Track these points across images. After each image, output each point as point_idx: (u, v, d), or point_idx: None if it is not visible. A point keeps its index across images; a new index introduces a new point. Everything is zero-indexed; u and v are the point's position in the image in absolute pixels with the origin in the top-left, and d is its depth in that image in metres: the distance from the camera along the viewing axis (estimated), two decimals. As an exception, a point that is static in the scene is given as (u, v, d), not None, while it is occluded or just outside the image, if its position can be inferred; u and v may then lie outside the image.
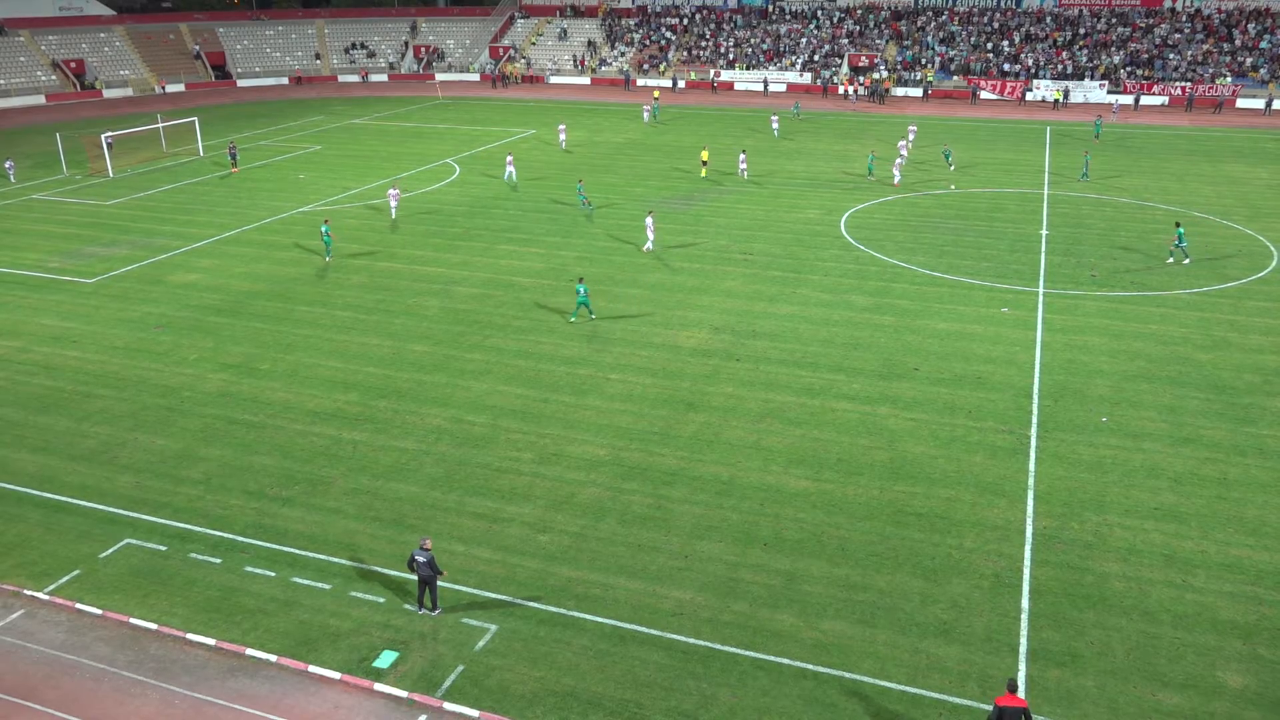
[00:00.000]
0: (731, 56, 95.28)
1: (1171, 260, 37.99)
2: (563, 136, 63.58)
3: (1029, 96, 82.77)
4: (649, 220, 39.81)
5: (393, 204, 45.27)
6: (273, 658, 17.38)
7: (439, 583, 18.74)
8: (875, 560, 19.91)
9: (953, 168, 56.08)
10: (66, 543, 20.85)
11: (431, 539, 19.97)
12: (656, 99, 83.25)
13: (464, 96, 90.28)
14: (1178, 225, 38.23)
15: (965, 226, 43.49)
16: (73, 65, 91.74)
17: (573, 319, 32.22)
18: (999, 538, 20.58)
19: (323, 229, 39.51)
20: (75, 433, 25.61)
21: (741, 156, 54.98)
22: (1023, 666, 16.94)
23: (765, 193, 50.39)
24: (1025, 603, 18.56)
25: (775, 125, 67.93)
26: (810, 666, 17.02)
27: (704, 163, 54.87)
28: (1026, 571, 19.47)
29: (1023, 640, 17.56)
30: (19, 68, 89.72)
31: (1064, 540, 20.45)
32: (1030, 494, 22.15)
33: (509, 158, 53.53)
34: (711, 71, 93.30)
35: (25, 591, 19.27)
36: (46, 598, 19.09)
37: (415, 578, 18.88)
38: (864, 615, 18.28)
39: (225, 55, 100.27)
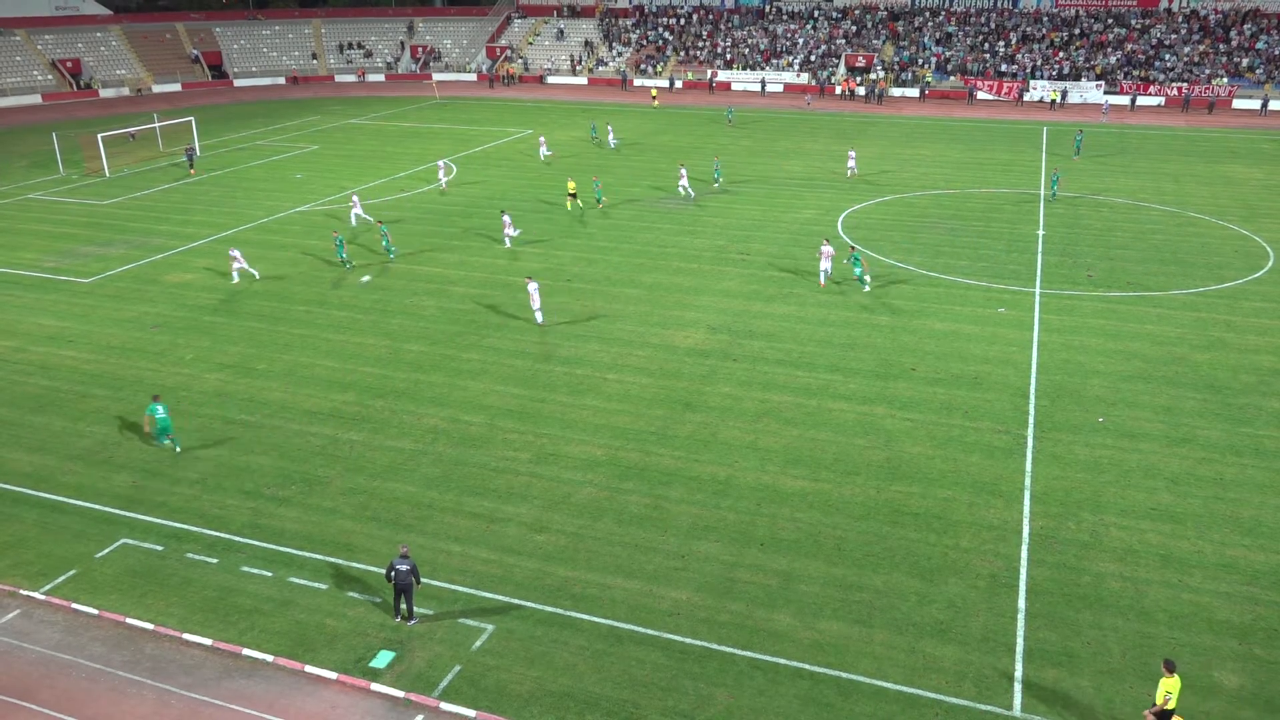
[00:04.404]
0: (729, 56, 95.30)
1: (867, 289, 35.13)
2: (613, 139, 63.28)
3: (1026, 97, 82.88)
4: (532, 287, 32.07)
5: (235, 266, 36.90)
6: (269, 658, 17.35)
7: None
8: (872, 560, 19.92)
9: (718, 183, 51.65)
10: (62, 542, 20.81)
11: (409, 547, 19.72)
12: (655, 98, 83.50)
13: (461, 96, 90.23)
14: (853, 250, 36.06)
15: (962, 227, 43.52)
16: (69, 65, 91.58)
17: (165, 442, 24.67)
18: (995, 538, 20.60)
19: (336, 239, 39.09)
20: (71, 432, 25.56)
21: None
22: (1019, 666, 16.96)
23: (762, 192, 50.40)
24: (1022, 603, 18.58)
25: (442, 175, 52.20)
26: (807, 666, 17.03)
27: (571, 195, 46.96)
28: (1023, 571, 19.49)
29: (1019, 640, 17.58)
30: (15, 67, 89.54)
31: (1060, 540, 20.47)
32: (1027, 494, 22.17)
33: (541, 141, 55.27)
34: (709, 71, 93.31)
35: (21, 591, 19.23)
36: (42, 597, 19.05)
37: (393, 587, 18.20)
38: (861, 615, 18.29)
39: (222, 55, 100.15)
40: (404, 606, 18.15)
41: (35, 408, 27.02)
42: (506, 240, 40.88)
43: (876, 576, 19.40)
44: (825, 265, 35.54)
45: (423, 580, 19.09)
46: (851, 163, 54.07)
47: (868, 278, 35.39)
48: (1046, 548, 20.22)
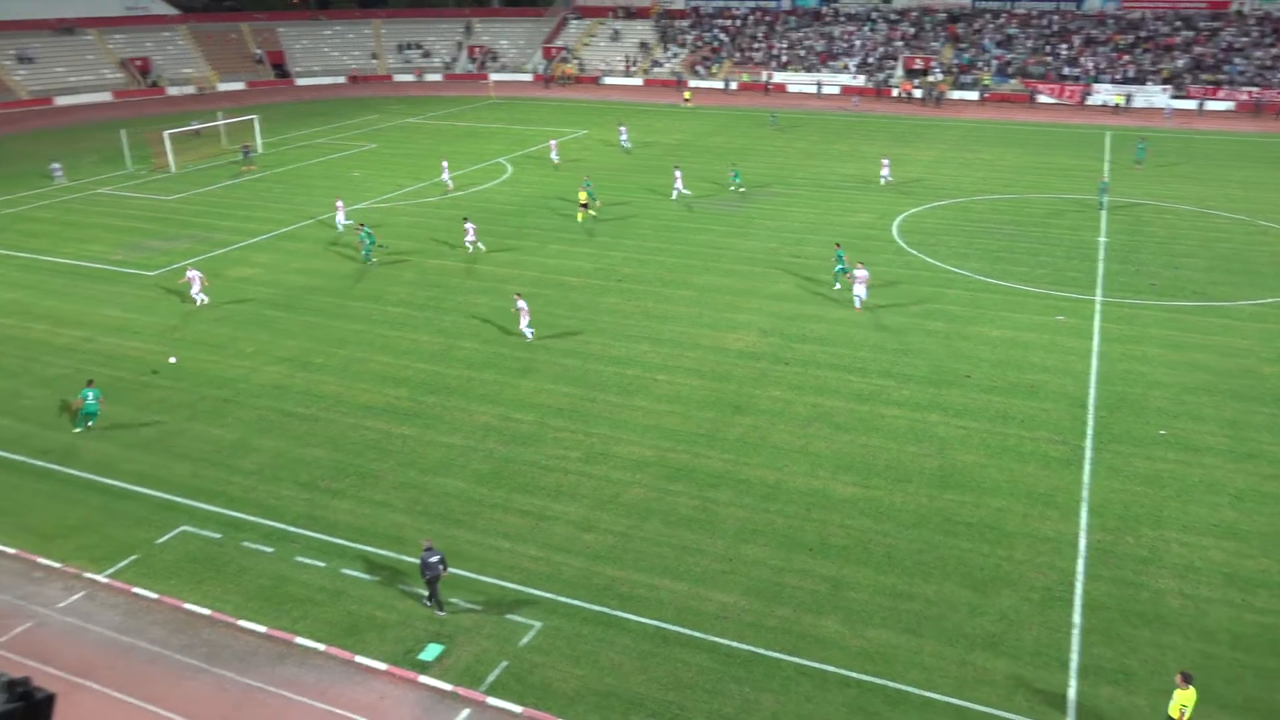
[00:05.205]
0: (784, 58, 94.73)
1: (839, 286, 34.62)
2: (625, 140, 62.23)
3: (1089, 101, 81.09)
4: (521, 304, 31.40)
5: (195, 287, 34.86)
6: (321, 646, 17.67)
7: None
8: (923, 569, 19.65)
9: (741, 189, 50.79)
10: (125, 528, 21.41)
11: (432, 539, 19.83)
12: (687, 99, 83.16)
13: (517, 96, 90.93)
14: (837, 246, 35.82)
15: (1020, 232, 42.74)
16: (138, 63, 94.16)
17: (78, 430, 25.69)
18: (1051, 550, 20.18)
19: (362, 232, 39.52)
20: (135, 421, 26.27)
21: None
22: (1073, 682, 16.60)
23: (817, 195, 50.01)
24: (1077, 617, 18.19)
25: (446, 175, 52.41)
26: (854, 675, 16.85)
27: (582, 205, 45.15)
28: (1079, 585, 19.07)
29: (1074, 656, 17.20)
30: (87, 65, 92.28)
31: (1118, 555, 19.98)
32: (1084, 506, 21.69)
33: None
34: (764, 73, 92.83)
35: (85, 574, 19.83)
36: (106, 580, 19.62)
37: (426, 582, 18.37)
38: (910, 624, 18.05)
39: (284, 54, 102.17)
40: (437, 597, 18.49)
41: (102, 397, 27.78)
42: (469, 246, 40.39)
43: (927, 586, 19.14)
44: (859, 290, 33.07)
45: (472, 576, 19.33)
46: (885, 171, 52.02)
47: (852, 290, 33.50)
48: (1104, 562, 19.77)
